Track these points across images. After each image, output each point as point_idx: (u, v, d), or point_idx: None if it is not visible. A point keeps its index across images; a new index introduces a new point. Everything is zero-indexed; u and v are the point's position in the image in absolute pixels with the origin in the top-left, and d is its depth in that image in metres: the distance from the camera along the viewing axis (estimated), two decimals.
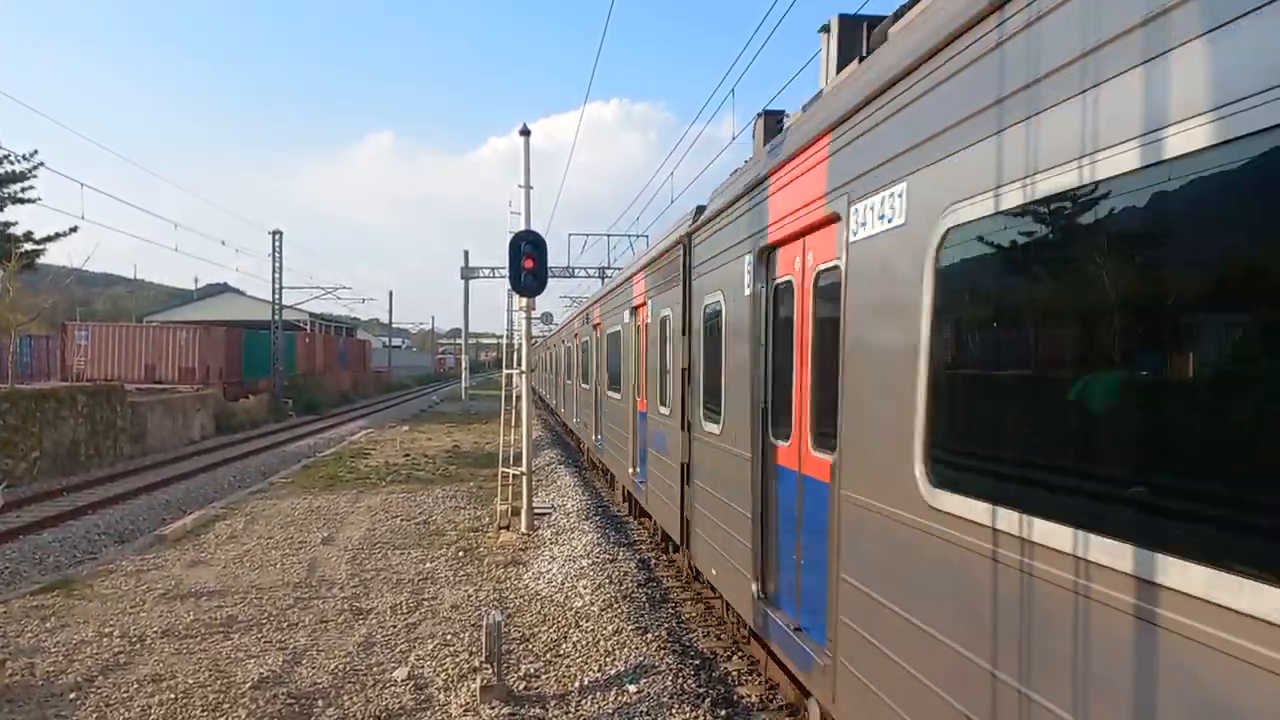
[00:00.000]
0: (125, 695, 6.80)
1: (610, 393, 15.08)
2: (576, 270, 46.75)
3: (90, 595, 9.76)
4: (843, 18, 5.44)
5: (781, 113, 6.78)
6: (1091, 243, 2.57)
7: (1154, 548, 2.14)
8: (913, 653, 3.57)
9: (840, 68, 5.23)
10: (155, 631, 8.36)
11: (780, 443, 5.72)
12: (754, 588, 6.12)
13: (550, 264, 13.07)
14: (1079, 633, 2.45)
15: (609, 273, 37.93)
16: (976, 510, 3.05)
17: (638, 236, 36.89)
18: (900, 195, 3.67)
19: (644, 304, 11.36)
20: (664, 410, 9.59)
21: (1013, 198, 2.81)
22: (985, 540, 2.99)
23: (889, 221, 3.79)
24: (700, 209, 8.49)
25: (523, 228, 12.85)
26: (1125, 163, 2.23)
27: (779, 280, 5.75)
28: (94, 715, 6.46)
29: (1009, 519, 2.85)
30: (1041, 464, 2.82)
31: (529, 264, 12.37)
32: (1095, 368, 2.63)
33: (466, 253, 50.29)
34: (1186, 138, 2.03)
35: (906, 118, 3.63)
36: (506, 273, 12.64)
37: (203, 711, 6.48)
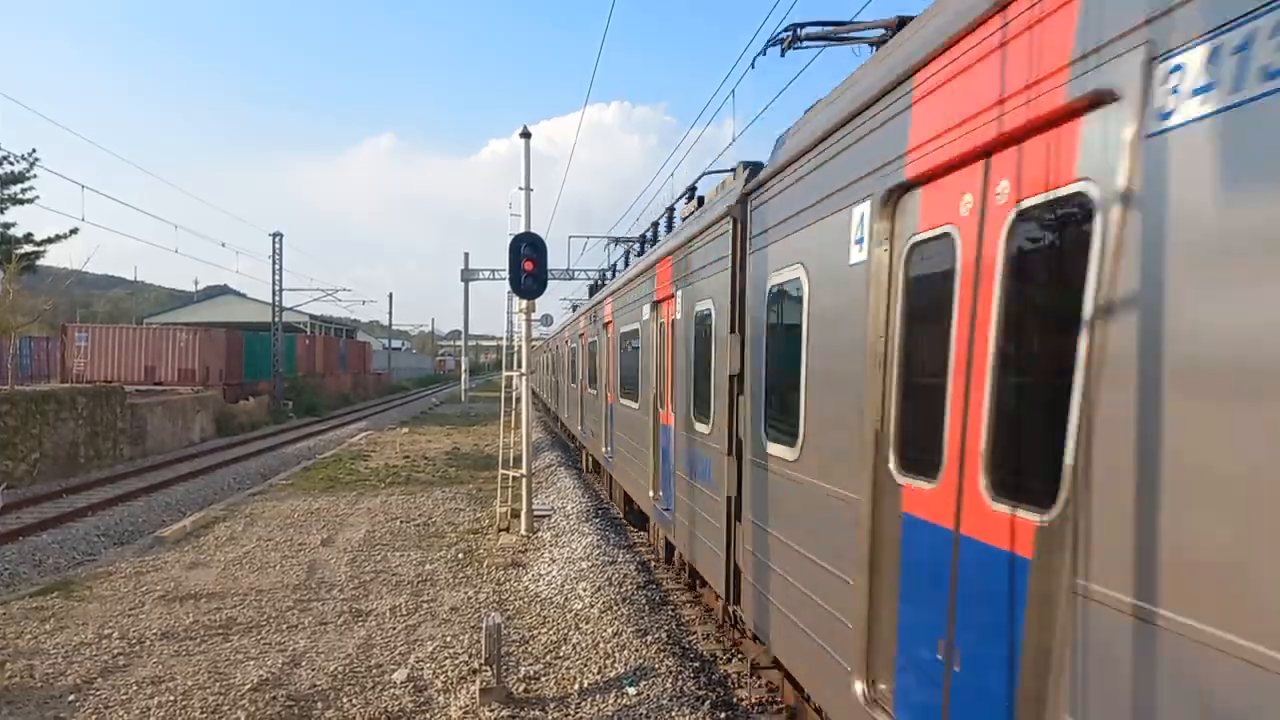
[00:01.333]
0: (124, 697, 6.79)
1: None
2: (576, 273, 46.73)
3: (89, 597, 9.75)
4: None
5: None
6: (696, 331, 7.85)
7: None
8: (686, 494, 8.32)
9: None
10: (154, 633, 8.35)
11: (661, 410, 9.94)
12: (650, 494, 10.51)
13: (550, 266, 13.07)
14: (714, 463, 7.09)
15: (609, 276, 37.87)
16: (700, 426, 7.60)
17: (638, 240, 36.87)
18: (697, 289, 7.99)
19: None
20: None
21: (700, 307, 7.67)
22: (698, 436, 7.74)
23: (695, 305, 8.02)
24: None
25: (523, 230, 12.87)
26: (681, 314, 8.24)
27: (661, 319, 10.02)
28: (93, 717, 6.46)
29: (702, 426, 7.55)
30: (695, 402, 7.84)
31: (529, 266, 12.37)
32: (706, 375, 7.47)
33: (466, 255, 50.19)
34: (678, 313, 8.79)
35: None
36: (506, 275, 12.65)
37: (202, 713, 6.47)
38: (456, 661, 7.49)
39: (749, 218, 6.32)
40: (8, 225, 31.97)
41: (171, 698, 6.75)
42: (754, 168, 6.59)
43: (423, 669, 7.35)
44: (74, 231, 33.56)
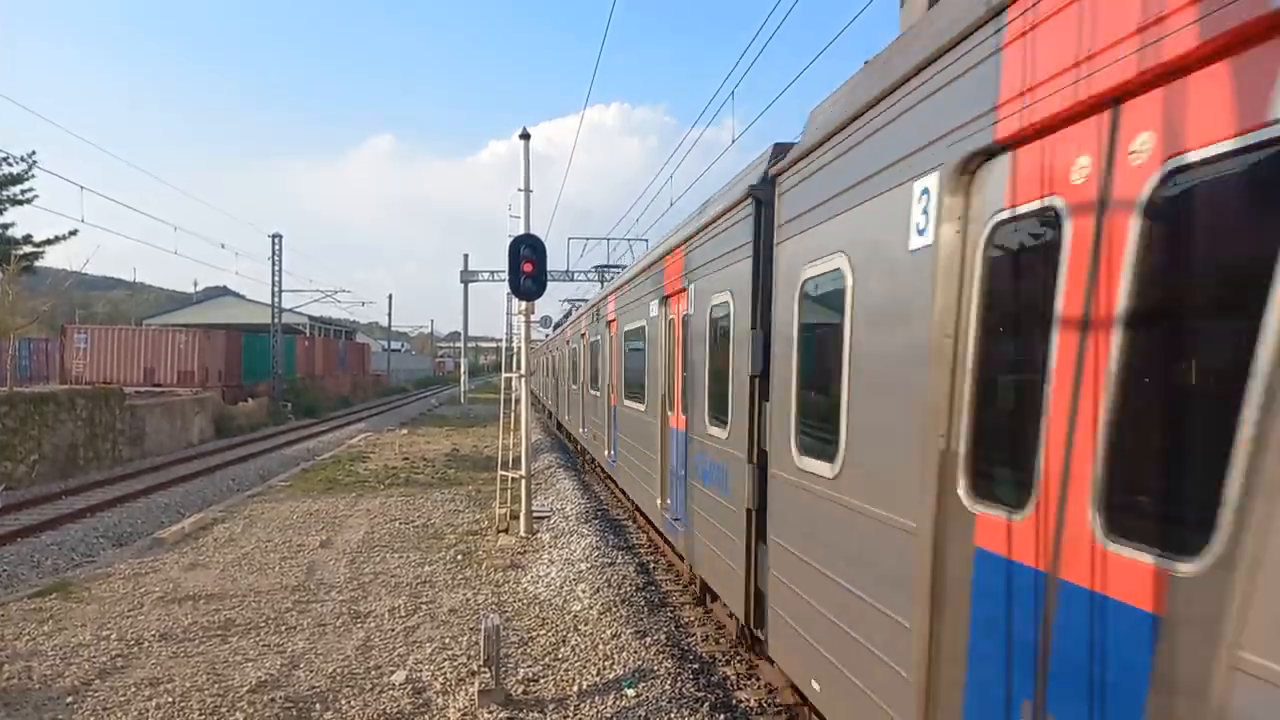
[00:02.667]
0: (122, 699, 6.78)
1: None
2: (576, 274, 46.78)
3: (88, 598, 9.74)
4: None
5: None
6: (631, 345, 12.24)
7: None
8: (632, 458, 11.88)
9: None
10: (153, 634, 8.34)
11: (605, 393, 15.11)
12: (606, 453, 14.93)
13: (549, 268, 13.07)
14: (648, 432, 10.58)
15: (608, 275, 38.06)
16: (636, 407, 11.39)
17: (637, 240, 36.95)
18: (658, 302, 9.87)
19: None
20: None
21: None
22: (635, 413, 11.41)
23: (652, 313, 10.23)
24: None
25: (522, 231, 12.87)
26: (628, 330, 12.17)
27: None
28: (91, 719, 6.45)
29: (631, 403, 11.80)
30: (629, 389, 12.16)
31: (528, 268, 12.37)
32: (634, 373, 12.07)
33: (466, 256, 50.32)
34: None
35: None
36: (506, 276, 12.65)
37: (200, 715, 6.46)
38: (455, 663, 7.48)
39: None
40: (6, 226, 32.00)
41: (170, 699, 6.73)
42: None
43: (421, 670, 7.34)
44: (73, 233, 33.62)
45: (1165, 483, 2.38)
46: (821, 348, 4.86)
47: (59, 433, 21.63)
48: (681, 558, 9.32)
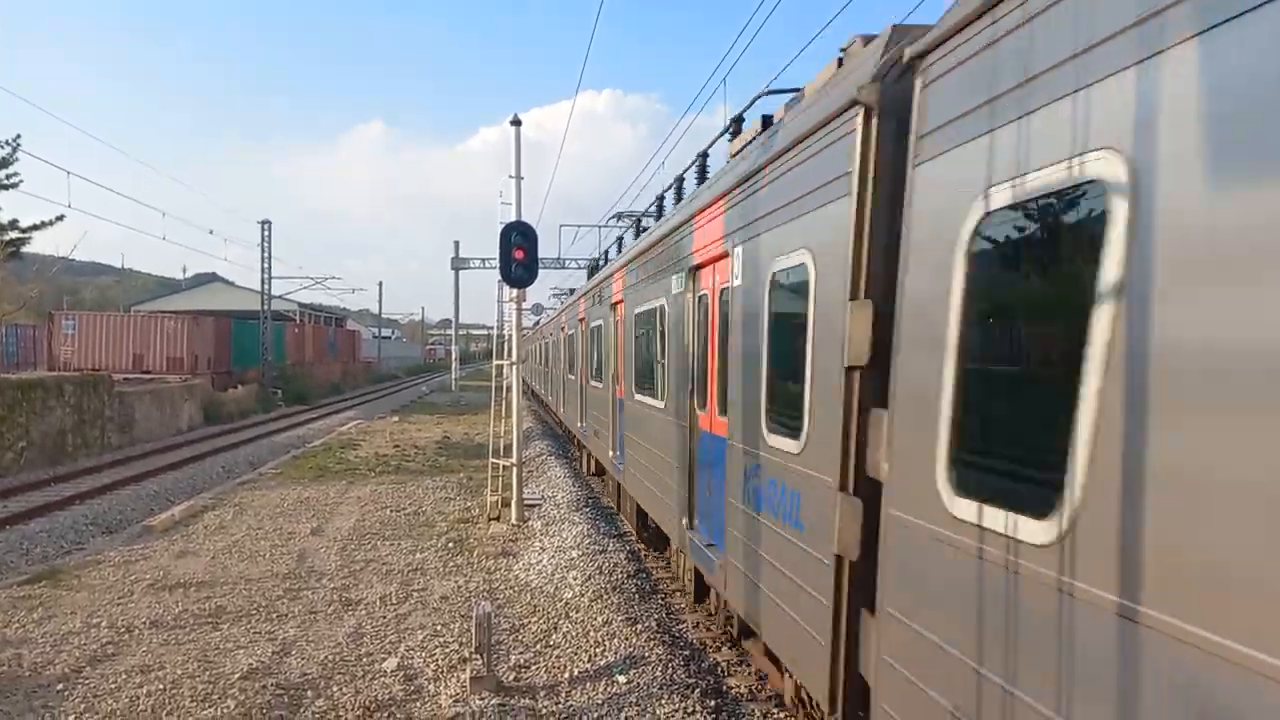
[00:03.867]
0: (113, 686, 6.78)
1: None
2: (567, 261, 46.62)
3: (78, 586, 9.72)
4: None
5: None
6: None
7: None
8: (597, 425, 15.00)
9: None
10: (143, 622, 8.33)
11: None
12: (579, 425, 18.00)
13: (541, 255, 13.03)
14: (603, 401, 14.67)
15: (601, 265, 37.93)
16: (615, 389, 13.01)
17: (629, 228, 36.80)
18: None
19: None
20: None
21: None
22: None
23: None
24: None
25: (513, 218, 12.82)
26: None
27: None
28: (82, 706, 6.44)
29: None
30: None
31: (519, 255, 12.33)
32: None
33: (457, 243, 49.88)
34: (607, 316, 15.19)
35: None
36: (497, 264, 12.60)
37: (191, 702, 6.47)
38: (447, 650, 7.51)
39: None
40: None
41: (161, 686, 6.74)
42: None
43: (413, 657, 7.36)
44: (60, 218, 33.16)
45: (734, 395, 5.98)
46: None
47: (47, 419, 21.49)
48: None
